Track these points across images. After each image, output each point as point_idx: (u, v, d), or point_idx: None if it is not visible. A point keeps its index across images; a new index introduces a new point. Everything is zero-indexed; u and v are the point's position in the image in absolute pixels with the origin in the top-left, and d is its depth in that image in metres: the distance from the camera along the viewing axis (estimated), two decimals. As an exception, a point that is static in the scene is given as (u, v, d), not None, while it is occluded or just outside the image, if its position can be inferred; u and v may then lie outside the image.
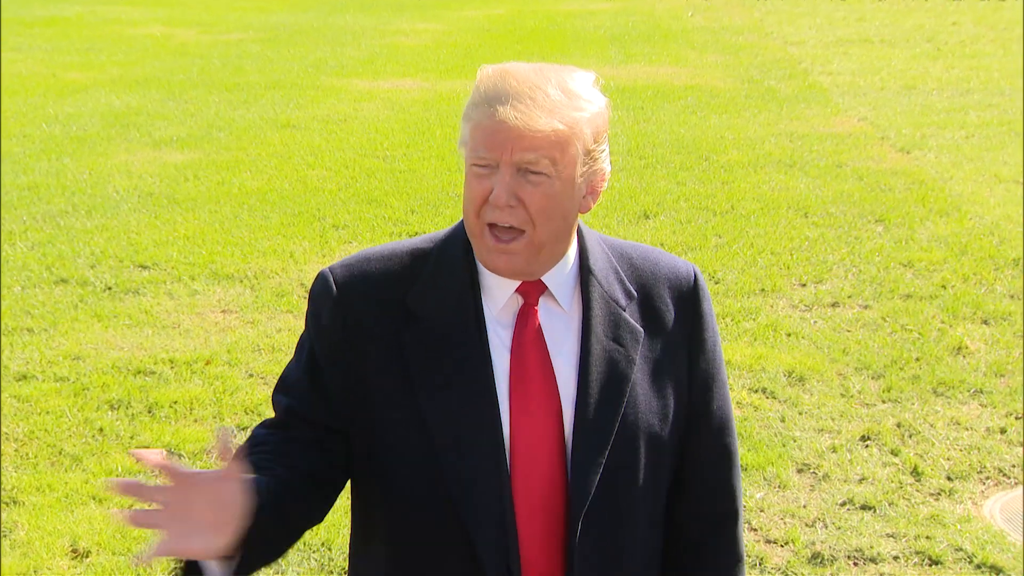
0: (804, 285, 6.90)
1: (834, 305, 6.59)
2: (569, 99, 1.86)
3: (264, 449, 1.91)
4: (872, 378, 5.67)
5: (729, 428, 2.09)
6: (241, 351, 5.92)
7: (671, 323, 2.01)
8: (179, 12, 20.23)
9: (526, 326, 1.94)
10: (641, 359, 1.97)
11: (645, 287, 2.01)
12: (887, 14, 19.60)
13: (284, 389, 2.00)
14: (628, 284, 2.00)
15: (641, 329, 1.98)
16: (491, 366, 1.92)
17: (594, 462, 1.92)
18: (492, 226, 1.87)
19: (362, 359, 1.93)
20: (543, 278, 1.94)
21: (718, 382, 2.06)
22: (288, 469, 1.88)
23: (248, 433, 2.03)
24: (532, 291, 1.95)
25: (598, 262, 1.99)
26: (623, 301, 1.98)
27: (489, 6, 21.31)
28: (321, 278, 1.99)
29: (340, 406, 1.95)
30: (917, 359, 5.86)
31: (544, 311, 1.96)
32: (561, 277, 1.96)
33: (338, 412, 1.95)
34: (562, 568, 1.94)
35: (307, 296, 2.06)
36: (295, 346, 2.03)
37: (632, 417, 1.95)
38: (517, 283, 1.94)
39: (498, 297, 1.95)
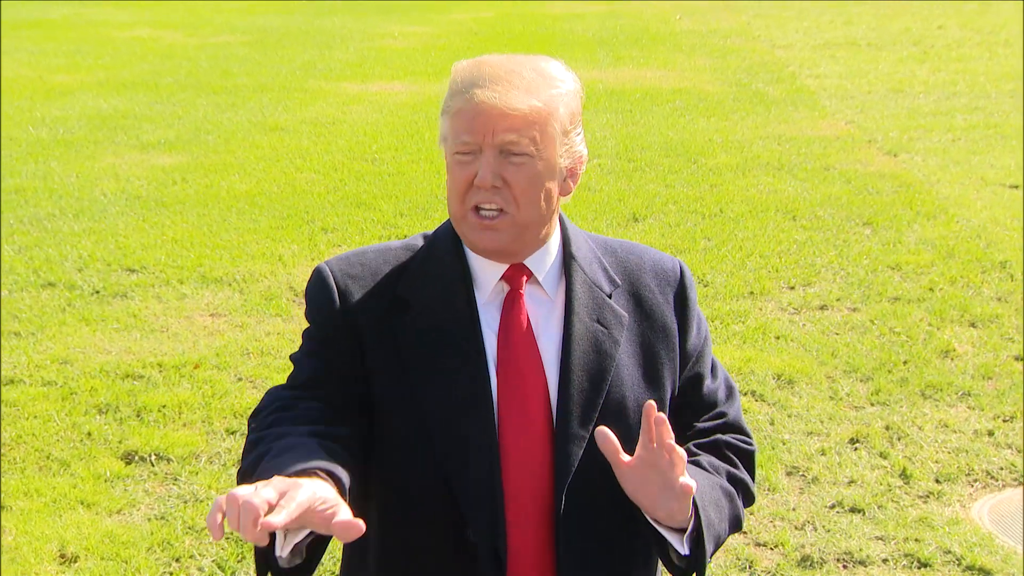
0: (792, 288, 6.91)
1: (822, 308, 6.60)
2: (544, 79, 1.92)
3: (304, 416, 1.91)
4: (860, 381, 5.68)
5: (730, 388, 2.13)
6: (230, 355, 5.90)
7: (658, 310, 2.06)
8: (166, 15, 20.19)
9: (512, 311, 1.99)
10: (627, 341, 2.02)
11: (630, 277, 2.07)
12: (874, 18, 19.66)
13: (300, 366, 2.01)
14: (612, 273, 2.05)
15: (626, 314, 2.03)
16: (484, 350, 1.96)
17: (577, 437, 1.96)
18: (476, 209, 1.92)
19: (359, 346, 1.97)
20: (528, 263, 1.99)
21: (709, 359, 2.11)
22: (333, 440, 1.87)
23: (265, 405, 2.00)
24: (517, 277, 2.00)
25: (580, 250, 2.04)
26: (607, 288, 2.03)
27: (477, 9, 21.32)
28: (317, 271, 2.04)
29: (350, 383, 1.97)
30: (905, 362, 5.87)
31: (529, 298, 2.01)
32: (545, 264, 2.01)
33: (351, 388, 1.97)
34: (549, 545, 1.97)
35: (297, 298, 2.08)
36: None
37: (618, 395, 1.99)
38: (502, 270, 1.99)
39: (485, 285, 2.00)
